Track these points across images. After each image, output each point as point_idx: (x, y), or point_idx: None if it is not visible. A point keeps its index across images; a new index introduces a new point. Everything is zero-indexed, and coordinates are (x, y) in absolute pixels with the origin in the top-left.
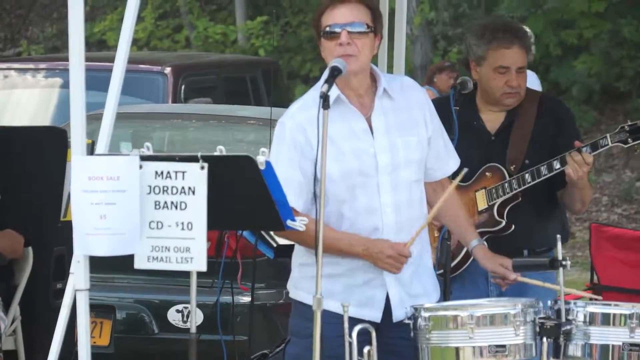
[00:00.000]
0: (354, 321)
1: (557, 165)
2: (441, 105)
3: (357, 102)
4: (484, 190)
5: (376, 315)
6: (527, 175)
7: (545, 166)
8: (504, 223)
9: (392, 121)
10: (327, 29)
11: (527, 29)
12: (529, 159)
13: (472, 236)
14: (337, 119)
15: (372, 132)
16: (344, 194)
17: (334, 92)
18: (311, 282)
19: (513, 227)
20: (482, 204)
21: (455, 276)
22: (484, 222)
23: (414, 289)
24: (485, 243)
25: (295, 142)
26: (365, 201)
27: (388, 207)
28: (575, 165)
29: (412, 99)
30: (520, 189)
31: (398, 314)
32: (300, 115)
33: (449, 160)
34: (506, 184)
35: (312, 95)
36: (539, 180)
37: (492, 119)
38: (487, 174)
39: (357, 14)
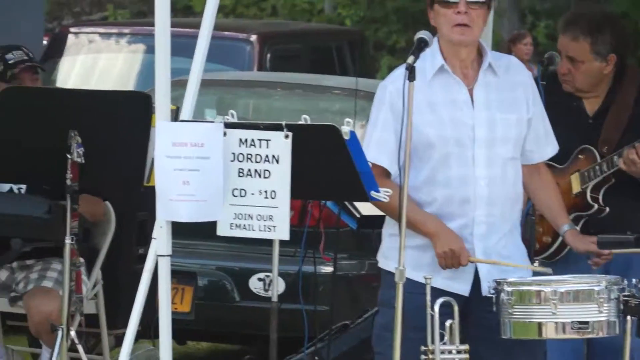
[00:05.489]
0: (442, 293)
1: None
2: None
3: (460, 73)
4: (577, 173)
5: (464, 289)
6: (615, 158)
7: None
8: (596, 207)
9: (494, 97)
10: None
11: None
12: (625, 141)
13: (564, 220)
14: (439, 87)
15: (472, 104)
16: (439, 161)
17: (438, 61)
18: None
19: (607, 210)
20: (576, 188)
21: (559, 259)
22: (578, 205)
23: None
24: (577, 227)
25: (393, 106)
26: (458, 171)
27: (482, 179)
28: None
29: (517, 79)
30: (609, 172)
31: (487, 288)
32: (401, 81)
33: (548, 146)
34: (597, 167)
35: (417, 64)
36: None
37: (592, 101)
38: (580, 156)
39: None
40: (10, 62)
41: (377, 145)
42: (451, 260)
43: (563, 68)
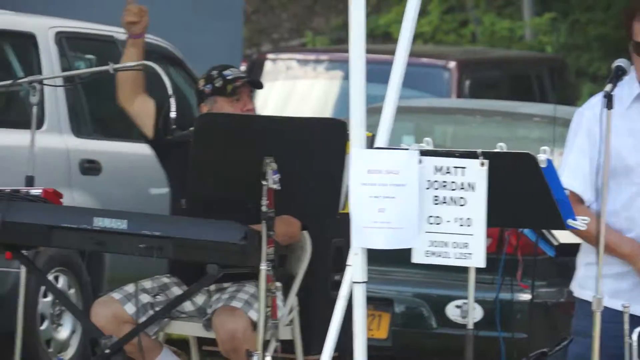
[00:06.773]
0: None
1: None
2: None
3: None
4: None
5: None
6: None
7: None
8: None
9: None
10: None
11: None
12: None
13: None
14: (637, 114)
15: None
16: (639, 186)
17: (636, 89)
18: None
19: None
20: None
21: None
22: None
23: None
24: None
25: (590, 132)
26: None
27: None
28: None
29: None
30: None
31: None
32: (598, 108)
33: None
34: None
35: (615, 91)
36: None
37: None
38: None
39: None
40: (229, 77)
41: (570, 171)
42: None
43: None
